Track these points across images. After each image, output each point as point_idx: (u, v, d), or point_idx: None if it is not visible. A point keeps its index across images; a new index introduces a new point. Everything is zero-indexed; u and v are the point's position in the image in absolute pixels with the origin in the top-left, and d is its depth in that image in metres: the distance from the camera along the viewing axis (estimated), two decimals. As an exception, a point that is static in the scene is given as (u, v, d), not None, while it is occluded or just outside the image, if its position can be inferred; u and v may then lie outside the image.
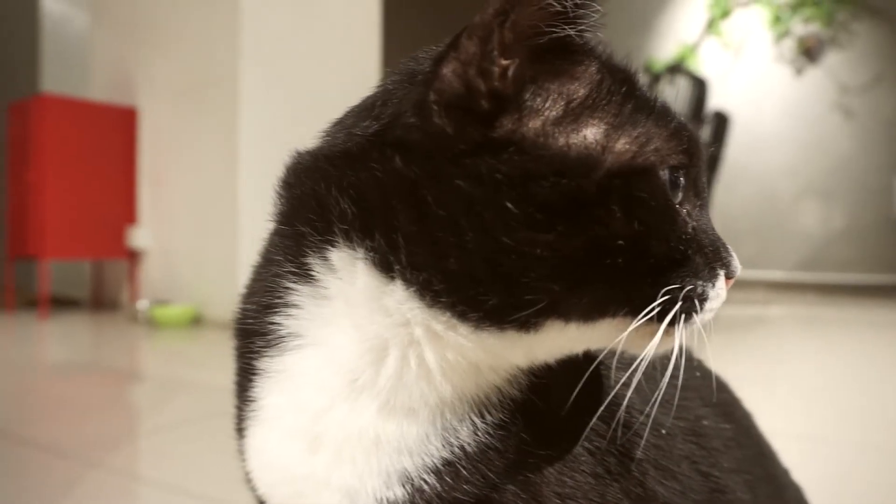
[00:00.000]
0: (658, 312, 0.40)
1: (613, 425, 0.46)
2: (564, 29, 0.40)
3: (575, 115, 0.41)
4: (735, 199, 5.36)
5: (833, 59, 5.20)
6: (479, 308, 0.40)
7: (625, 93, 0.43)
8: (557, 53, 0.41)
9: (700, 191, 0.46)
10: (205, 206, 3.28)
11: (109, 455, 1.31)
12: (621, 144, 0.41)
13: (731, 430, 0.59)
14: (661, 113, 0.43)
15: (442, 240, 0.40)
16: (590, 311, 0.40)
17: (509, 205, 0.38)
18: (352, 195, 0.42)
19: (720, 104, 4.71)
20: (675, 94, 3.71)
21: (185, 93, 3.37)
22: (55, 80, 4.43)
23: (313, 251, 0.44)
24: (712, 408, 0.58)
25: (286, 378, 0.47)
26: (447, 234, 0.39)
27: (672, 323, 0.41)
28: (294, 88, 3.29)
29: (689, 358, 0.59)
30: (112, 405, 1.82)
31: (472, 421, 0.44)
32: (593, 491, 0.45)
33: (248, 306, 0.50)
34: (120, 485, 1.17)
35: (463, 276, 0.40)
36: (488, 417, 0.44)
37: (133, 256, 3.58)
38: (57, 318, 3.35)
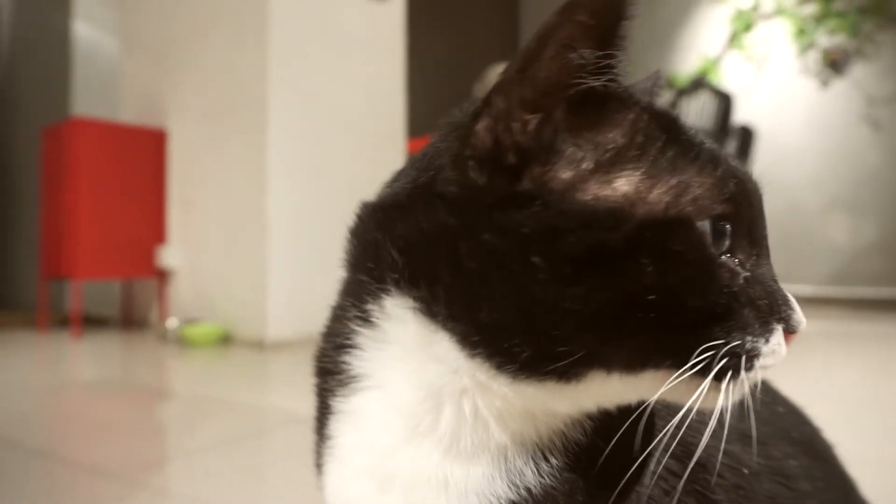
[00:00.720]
0: (703, 367, 0.40)
1: (690, 465, 0.46)
2: (588, 81, 0.40)
3: (608, 165, 0.41)
4: (761, 213, 5.30)
5: (859, 71, 5.14)
6: (515, 360, 0.40)
7: (665, 140, 0.42)
8: (589, 105, 0.41)
9: (757, 239, 0.45)
10: (233, 226, 3.32)
11: (154, 475, 1.33)
12: (655, 195, 0.40)
13: (818, 469, 0.57)
14: (707, 159, 0.42)
15: (475, 292, 0.41)
16: (630, 363, 0.40)
17: (536, 259, 0.39)
18: (400, 245, 0.44)
19: (745, 118, 4.68)
20: (699, 109, 3.69)
21: (213, 114, 3.43)
22: (86, 104, 4.54)
23: (372, 297, 0.46)
24: (798, 445, 0.57)
25: (356, 418, 0.49)
26: (479, 286, 0.40)
27: (719, 378, 0.40)
28: (321, 110, 3.33)
29: (771, 392, 0.59)
30: (147, 424, 1.84)
31: (536, 464, 0.44)
32: None
33: (325, 345, 0.52)
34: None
35: (495, 328, 0.40)
36: (553, 461, 0.45)
37: (162, 276, 3.63)
38: (89, 337, 3.40)
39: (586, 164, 0.41)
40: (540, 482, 0.44)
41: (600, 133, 0.41)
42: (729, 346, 0.40)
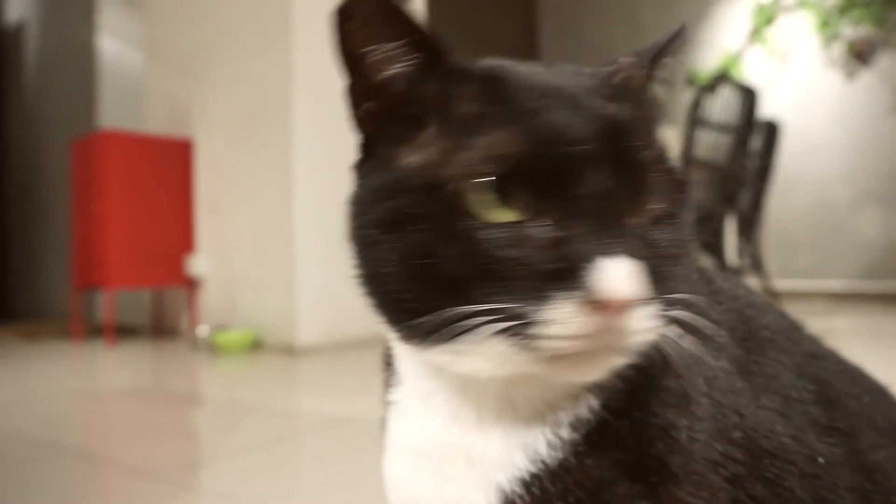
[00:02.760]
0: (492, 335, 0.39)
1: (754, 452, 0.45)
2: (392, 69, 0.46)
3: (415, 136, 0.45)
4: (790, 209, 5.23)
5: (886, 61, 5.06)
6: (400, 329, 0.45)
7: (467, 107, 0.44)
8: (402, 85, 0.47)
9: (569, 200, 0.40)
10: (261, 233, 3.36)
11: (193, 476, 1.35)
12: (435, 160, 0.43)
13: None
14: (507, 121, 0.42)
15: (358, 266, 0.47)
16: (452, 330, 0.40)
17: (375, 227, 0.44)
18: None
19: (770, 113, 4.62)
20: (722, 105, 3.65)
21: (239, 123, 3.47)
22: (112, 116, 4.62)
23: None
24: (886, 434, 0.54)
25: (399, 406, 0.53)
26: (359, 259, 0.47)
27: (522, 346, 0.39)
28: (345, 117, 3.35)
29: (859, 381, 0.57)
30: (183, 428, 1.87)
31: (547, 438, 0.46)
32: None
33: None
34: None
35: (378, 306, 0.46)
36: (564, 435, 0.46)
37: (192, 284, 3.68)
38: (122, 345, 3.45)
39: (402, 138, 0.45)
40: (553, 455, 0.46)
41: (409, 107, 0.46)
42: (494, 312, 0.39)
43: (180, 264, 3.66)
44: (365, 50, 0.46)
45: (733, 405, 0.47)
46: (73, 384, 2.61)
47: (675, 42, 0.51)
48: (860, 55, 5.12)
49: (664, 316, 0.41)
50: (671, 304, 0.41)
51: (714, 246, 3.66)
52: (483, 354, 0.41)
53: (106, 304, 3.53)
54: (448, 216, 0.41)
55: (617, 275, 0.37)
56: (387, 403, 0.54)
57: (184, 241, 3.69)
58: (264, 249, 3.33)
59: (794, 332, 0.59)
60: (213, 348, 3.17)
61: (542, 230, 0.40)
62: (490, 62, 0.47)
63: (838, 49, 5.24)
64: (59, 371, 2.91)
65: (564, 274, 0.38)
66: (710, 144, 3.59)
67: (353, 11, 0.45)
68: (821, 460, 0.47)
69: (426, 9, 3.89)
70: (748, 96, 3.69)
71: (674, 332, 0.42)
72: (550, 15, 6.97)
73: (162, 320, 4.01)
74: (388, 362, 0.55)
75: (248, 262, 3.43)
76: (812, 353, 0.57)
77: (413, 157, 0.44)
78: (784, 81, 5.43)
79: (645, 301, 0.38)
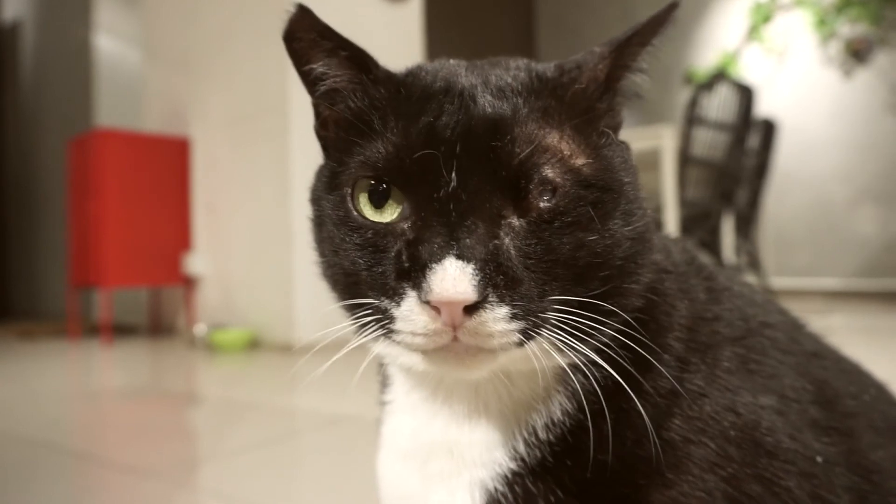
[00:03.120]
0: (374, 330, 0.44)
1: (752, 451, 0.45)
2: (320, 87, 0.51)
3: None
4: (788, 207, 5.24)
5: (883, 60, 5.06)
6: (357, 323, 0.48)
7: (368, 118, 0.47)
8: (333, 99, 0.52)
9: (422, 202, 0.42)
10: (259, 232, 3.35)
11: (191, 475, 1.35)
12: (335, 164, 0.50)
13: None
14: (392, 130, 0.45)
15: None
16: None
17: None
18: None
19: (767, 111, 4.62)
20: (719, 104, 3.66)
21: (236, 121, 3.46)
22: (109, 114, 4.61)
23: None
24: (885, 434, 0.54)
25: (391, 406, 0.54)
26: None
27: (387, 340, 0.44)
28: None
29: (857, 382, 0.57)
30: (181, 427, 1.86)
31: (524, 437, 0.47)
32: None
33: None
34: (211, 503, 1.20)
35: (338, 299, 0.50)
36: (542, 436, 0.47)
37: (189, 283, 3.67)
38: (119, 344, 3.45)
39: (340, 144, 0.50)
40: (532, 454, 0.46)
41: (345, 114, 0.49)
42: (372, 307, 0.43)
43: (178, 263, 3.65)
44: (310, 66, 0.50)
45: (729, 404, 0.47)
46: (70, 383, 2.60)
47: (656, 26, 0.47)
48: (857, 54, 5.13)
49: (532, 318, 0.40)
50: (544, 305, 0.41)
51: (711, 244, 3.66)
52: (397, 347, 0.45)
53: (103, 303, 3.53)
54: (343, 218, 0.46)
55: (444, 277, 0.38)
56: (381, 404, 0.55)
57: (181, 239, 3.68)
58: (262, 248, 3.33)
59: (795, 330, 0.59)
60: (210, 347, 3.16)
61: (403, 230, 0.43)
62: (414, 67, 0.51)
63: (835, 47, 5.25)
64: (57, 370, 2.90)
65: (412, 274, 0.40)
66: (708, 143, 3.59)
67: (295, 33, 0.49)
68: (819, 459, 0.47)
69: (424, 9, 3.88)
70: (745, 94, 3.69)
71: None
72: (548, 13, 6.97)
73: (159, 319, 4.00)
74: (382, 363, 0.56)
75: (246, 261, 3.43)
76: (812, 353, 0.57)
77: (334, 163, 0.50)
78: (781, 80, 5.43)
79: (493, 302, 0.39)
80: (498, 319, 0.39)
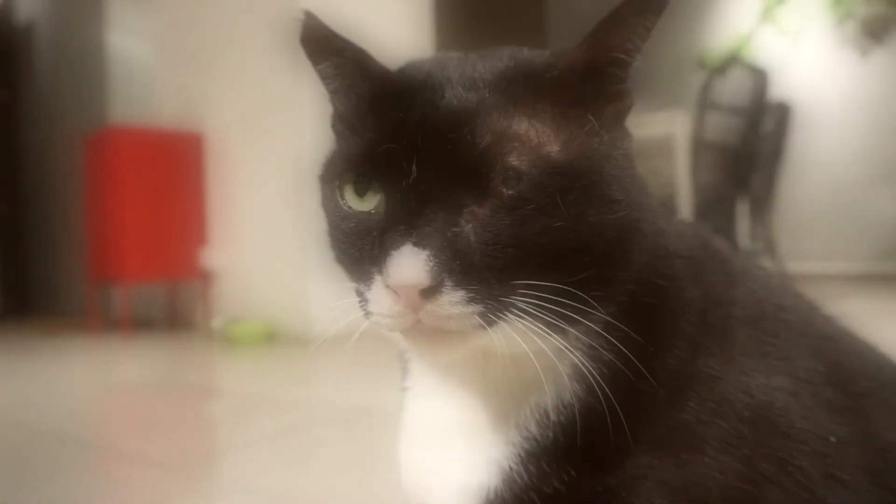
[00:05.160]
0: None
1: (765, 431, 0.46)
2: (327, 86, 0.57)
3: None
4: (805, 190, 5.17)
5: (901, 39, 4.98)
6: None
7: (353, 116, 0.51)
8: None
9: (390, 193, 0.46)
10: (274, 225, 3.37)
11: (211, 467, 1.37)
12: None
13: None
14: (369, 126, 0.49)
15: None
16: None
17: None
18: None
19: (782, 94, 4.56)
20: (733, 87, 3.62)
21: (249, 115, 3.48)
22: (123, 111, 4.64)
23: None
24: None
25: (412, 391, 0.56)
26: None
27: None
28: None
29: (873, 361, 0.57)
30: (200, 420, 1.89)
31: (536, 418, 0.49)
32: (747, 495, 0.44)
33: None
34: (230, 496, 1.22)
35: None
36: (552, 416, 0.48)
37: (206, 277, 3.71)
38: (138, 339, 3.49)
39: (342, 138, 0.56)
40: (545, 435, 0.48)
41: (341, 110, 0.55)
42: (356, 289, 0.48)
43: (194, 257, 3.68)
44: (319, 67, 0.55)
45: (743, 386, 0.47)
46: (91, 378, 2.64)
47: (636, 4, 0.45)
48: (874, 33, 5.05)
49: (492, 302, 0.42)
50: (507, 290, 0.43)
51: (726, 229, 3.64)
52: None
53: (122, 299, 3.57)
54: (335, 208, 0.50)
55: (399, 262, 0.42)
56: (403, 390, 0.57)
57: (197, 234, 3.71)
58: (277, 241, 3.35)
59: (810, 313, 0.59)
60: (228, 340, 3.20)
61: (378, 219, 0.46)
62: (407, 62, 0.53)
63: (852, 28, 5.16)
64: (78, 365, 2.95)
65: (378, 259, 0.44)
66: (722, 127, 3.56)
67: (305, 37, 0.54)
68: (832, 439, 0.47)
69: (434, 8, 3.86)
70: (760, 78, 3.65)
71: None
72: (560, 9, 6.90)
73: (177, 313, 4.04)
74: (401, 350, 0.57)
75: (262, 254, 3.45)
76: (827, 335, 0.57)
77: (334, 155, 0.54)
78: (796, 62, 5.36)
79: (448, 287, 0.41)
80: (455, 303, 0.42)
